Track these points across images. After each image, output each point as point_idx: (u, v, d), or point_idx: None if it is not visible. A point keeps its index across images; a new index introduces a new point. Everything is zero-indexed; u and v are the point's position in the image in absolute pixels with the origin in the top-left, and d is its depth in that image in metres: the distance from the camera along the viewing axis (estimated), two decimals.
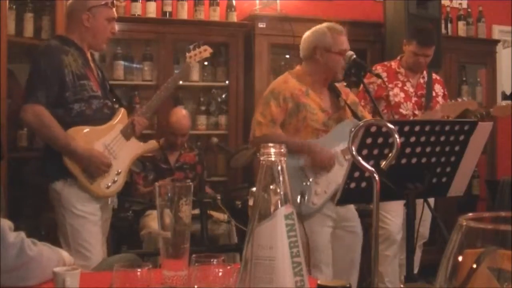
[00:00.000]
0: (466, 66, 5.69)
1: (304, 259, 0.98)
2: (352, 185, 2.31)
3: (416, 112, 3.81)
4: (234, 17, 4.86)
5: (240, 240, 3.91)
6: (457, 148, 2.37)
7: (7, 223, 1.57)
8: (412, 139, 2.25)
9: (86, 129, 2.88)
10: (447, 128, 2.31)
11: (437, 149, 2.32)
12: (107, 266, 1.89)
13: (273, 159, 0.98)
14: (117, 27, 3.07)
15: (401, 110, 3.79)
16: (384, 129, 2.11)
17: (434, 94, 3.91)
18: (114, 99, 3.18)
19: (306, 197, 2.86)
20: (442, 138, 2.31)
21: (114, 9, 3.04)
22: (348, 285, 1.01)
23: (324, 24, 3.09)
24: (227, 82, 4.85)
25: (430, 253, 3.94)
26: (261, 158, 0.99)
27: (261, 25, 4.71)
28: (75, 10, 2.96)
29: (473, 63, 5.76)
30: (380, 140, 2.20)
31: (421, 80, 3.92)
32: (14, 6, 3.77)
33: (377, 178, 1.30)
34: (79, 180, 2.84)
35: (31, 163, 3.87)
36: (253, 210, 0.98)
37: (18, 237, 1.56)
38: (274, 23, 4.74)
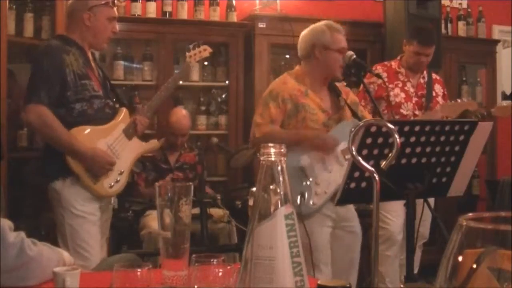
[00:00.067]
0: (466, 66, 5.69)
1: (304, 259, 0.98)
2: (352, 185, 2.31)
3: (417, 112, 3.81)
4: (234, 17, 4.86)
5: (240, 240, 3.91)
6: (457, 148, 2.37)
7: (7, 223, 1.57)
8: (412, 139, 2.25)
9: (89, 129, 2.88)
10: (447, 128, 2.31)
11: (437, 149, 2.32)
12: (107, 266, 1.89)
13: (273, 159, 0.98)
14: (117, 26, 3.07)
15: (401, 111, 3.78)
16: (384, 129, 2.11)
17: (434, 94, 3.91)
18: (116, 99, 3.19)
19: (306, 197, 2.86)
20: (442, 138, 2.31)
21: (115, 9, 3.04)
22: (348, 285, 1.01)
23: (322, 22, 3.09)
24: (227, 82, 4.85)
25: (430, 253, 3.94)
26: (261, 158, 0.99)
27: (261, 25, 4.71)
28: (76, 9, 2.95)
29: (473, 63, 5.76)
30: (380, 140, 2.20)
31: (421, 80, 3.92)
32: (14, 6, 3.77)
33: (377, 178, 1.30)
34: (82, 180, 2.84)
35: (31, 163, 3.87)
36: (253, 210, 0.98)
37: (18, 237, 1.56)
38: (274, 23, 4.75)
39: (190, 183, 1.71)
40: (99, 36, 2.97)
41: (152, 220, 3.79)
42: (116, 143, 2.96)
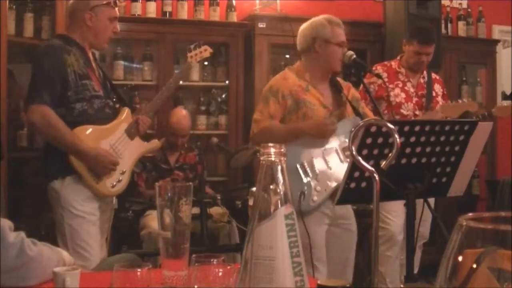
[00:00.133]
0: (466, 66, 5.69)
1: (304, 259, 0.99)
2: (352, 185, 2.31)
3: (417, 112, 3.81)
4: (234, 17, 4.87)
5: (240, 240, 3.91)
6: (457, 148, 2.37)
7: (7, 223, 1.56)
8: (412, 139, 2.25)
9: (91, 129, 2.88)
10: (447, 128, 2.31)
11: (437, 149, 2.32)
12: (107, 266, 1.89)
13: (273, 159, 0.98)
14: (118, 27, 3.07)
15: (402, 111, 3.78)
16: (384, 129, 2.11)
17: (434, 94, 3.91)
18: (118, 99, 3.20)
19: (306, 194, 2.86)
20: (442, 138, 2.31)
21: (116, 9, 3.04)
22: (348, 285, 1.01)
23: (322, 16, 3.09)
24: (227, 82, 4.85)
25: (430, 253, 3.93)
26: (261, 158, 0.99)
27: (261, 25, 4.71)
28: (77, 9, 2.95)
29: (473, 63, 5.76)
30: (380, 140, 2.20)
31: (422, 80, 3.92)
32: (14, 6, 3.77)
33: (377, 178, 1.30)
34: (84, 179, 2.84)
35: (31, 163, 3.87)
36: (253, 210, 0.98)
37: (18, 237, 1.56)
38: (274, 23, 4.75)
39: (190, 183, 1.71)
40: (100, 36, 2.97)
41: (152, 220, 3.79)
42: (118, 143, 2.96)
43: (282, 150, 0.99)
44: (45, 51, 2.89)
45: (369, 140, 2.19)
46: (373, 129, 2.17)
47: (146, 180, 4.18)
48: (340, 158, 2.97)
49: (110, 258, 2.54)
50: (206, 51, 3.41)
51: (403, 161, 2.27)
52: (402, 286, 3.03)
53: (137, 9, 4.65)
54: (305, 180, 2.90)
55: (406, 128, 2.23)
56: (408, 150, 2.26)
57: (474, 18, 5.67)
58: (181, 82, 3.86)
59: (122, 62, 4.65)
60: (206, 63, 4.79)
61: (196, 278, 1.14)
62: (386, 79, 3.75)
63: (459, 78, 5.56)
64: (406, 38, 3.96)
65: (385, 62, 4.01)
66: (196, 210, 3.11)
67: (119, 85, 4.42)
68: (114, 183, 2.93)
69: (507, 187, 4.51)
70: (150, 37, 4.72)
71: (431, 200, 2.97)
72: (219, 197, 3.59)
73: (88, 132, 2.87)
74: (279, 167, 0.98)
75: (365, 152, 2.18)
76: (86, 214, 2.83)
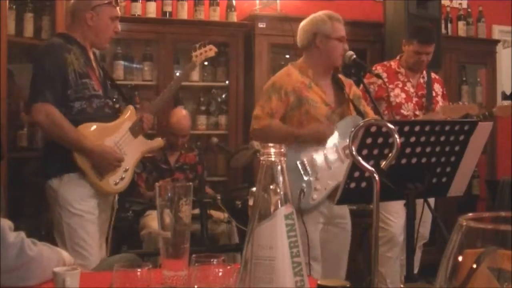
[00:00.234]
0: (466, 66, 5.69)
1: (304, 259, 0.99)
2: (352, 185, 2.31)
3: (417, 112, 3.81)
4: (234, 17, 4.87)
5: (240, 240, 3.91)
6: (457, 148, 2.37)
7: (7, 223, 1.56)
8: (412, 139, 2.25)
9: (95, 126, 2.89)
10: (447, 128, 2.31)
11: (437, 149, 2.32)
12: (107, 266, 1.89)
13: (273, 159, 0.98)
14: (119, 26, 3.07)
15: (402, 111, 3.78)
16: (384, 129, 2.11)
17: (434, 94, 3.91)
18: (122, 98, 3.21)
19: (306, 192, 2.86)
20: (442, 138, 2.31)
21: (117, 8, 3.04)
22: (348, 285, 1.01)
23: (321, 12, 3.10)
24: (227, 82, 4.85)
25: (430, 253, 3.93)
26: (261, 158, 0.99)
27: (261, 25, 4.71)
28: (79, 8, 2.95)
29: (473, 63, 5.76)
30: (380, 140, 2.20)
31: (421, 80, 3.91)
32: (14, 6, 3.77)
33: (377, 178, 1.30)
34: (88, 177, 2.84)
35: (31, 163, 3.87)
36: (253, 210, 0.98)
37: (18, 237, 1.56)
38: (274, 23, 4.75)
39: (190, 183, 1.71)
40: (101, 35, 2.97)
41: (152, 220, 3.79)
42: (122, 141, 2.97)
43: (282, 150, 0.99)
44: (46, 50, 2.89)
45: (369, 140, 2.19)
46: (373, 129, 2.17)
47: (146, 180, 4.18)
48: (340, 157, 2.97)
49: (110, 258, 2.54)
50: (211, 50, 3.41)
51: (403, 161, 2.27)
52: (402, 286, 3.03)
53: (137, 9, 4.65)
54: (305, 178, 2.90)
55: (406, 128, 2.23)
56: (408, 150, 2.26)
57: (474, 18, 5.67)
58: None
59: (122, 62, 4.65)
60: (206, 63, 4.79)
61: (196, 278, 1.14)
62: (386, 79, 3.75)
63: (459, 78, 5.56)
64: (406, 38, 3.95)
65: (385, 62, 4.00)
66: (196, 211, 3.11)
67: (119, 85, 4.43)
68: (117, 181, 2.94)
69: (507, 187, 4.51)
70: (150, 37, 4.72)
71: (431, 200, 2.97)
72: (219, 197, 3.59)
73: (92, 129, 2.87)
74: (279, 167, 0.98)
75: (365, 152, 2.18)
76: (84, 212, 2.83)
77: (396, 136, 1.45)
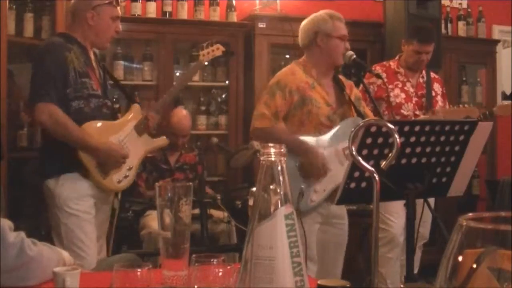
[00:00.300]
0: (466, 66, 5.69)
1: (304, 259, 0.99)
2: (352, 185, 2.31)
3: (417, 112, 3.80)
4: (234, 17, 4.86)
5: (240, 240, 3.91)
6: (457, 148, 2.37)
7: (7, 223, 1.56)
8: (412, 139, 2.25)
9: (100, 124, 2.89)
10: (447, 128, 2.31)
11: (437, 149, 2.32)
12: (107, 266, 1.89)
13: (273, 159, 0.98)
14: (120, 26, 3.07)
15: (402, 111, 3.77)
16: (384, 129, 2.11)
17: (433, 93, 3.91)
18: (126, 97, 3.22)
19: (305, 194, 2.86)
20: (442, 138, 2.31)
21: (118, 8, 3.04)
22: (348, 285, 1.01)
23: (323, 11, 3.10)
24: (227, 82, 4.85)
25: (430, 253, 3.93)
26: (261, 158, 0.99)
27: (261, 25, 4.71)
28: (80, 8, 2.95)
29: (473, 63, 5.76)
30: (380, 140, 2.20)
31: (421, 80, 3.91)
32: (14, 6, 3.77)
33: (377, 178, 1.30)
34: (92, 175, 2.84)
35: (31, 163, 3.86)
36: (253, 210, 0.98)
37: (18, 237, 1.56)
38: (274, 23, 4.75)
39: (190, 183, 1.71)
40: (102, 35, 2.97)
41: (152, 220, 3.79)
42: (127, 139, 2.98)
43: (282, 150, 0.99)
44: (46, 49, 2.89)
45: (369, 140, 2.19)
46: (373, 129, 2.17)
47: (146, 180, 4.18)
48: (340, 159, 2.96)
49: (110, 258, 2.54)
50: (218, 49, 3.40)
51: (403, 161, 2.27)
52: (402, 286, 3.03)
53: (137, 9, 4.65)
54: (304, 179, 2.90)
55: (406, 128, 2.23)
56: (408, 150, 2.26)
57: (474, 18, 5.67)
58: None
59: (122, 62, 4.65)
60: (206, 63, 4.78)
61: (196, 278, 1.14)
62: (385, 80, 3.75)
63: (459, 78, 5.56)
64: (405, 38, 3.95)
65: (384, 63, 4.00)
66: (196, 211, 3.11)
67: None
68: (121, 179, 2.95)
69: (507, 187, 4.51)
70: (150, 37, 4.72)
71: (431, 200, 2.97)
72: (219, 197, 3.59)
73: (97, 127, 2.88)
74: (279, 167, 0.98)
75: (365, 152, 2.18)
76: (81, 212, 2.83)
77: (396, 136, 1.45)
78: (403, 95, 3.81)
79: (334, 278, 2.90)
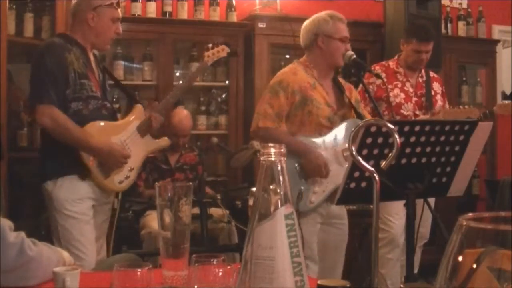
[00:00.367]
0: (466, 66, 5.69)
1: (304, 259, 0.99)
2: (352, 185, 2.31)
3: (417, 112, 3.80)
4: (234, 17, 4.86)
5: (240, 240, 3.91)
6: (457, 148, 2.37)
7: (7, 223, 1.56)
8: (412, 139, 2.25)
9: (103, 124, 2.89)
10: (447, 128, 2.31)
11: (437, 149, 2.32)
12: (107, 266, 1.89)
13: (273, 159, 0.98)
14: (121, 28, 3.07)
15: (402, 111, 3.77)
16: (384, 129, 2.11)
17: (433, 93, 3.91)
18: (128, 97, 3.23)
19: (304, 195, 2.86)
20: (442, 138, 2.31)
21: (119, 10, 3.03)
22: (348, 285, 1.01)
23: (324, 12, 3.10)
24: (227, 82, 4.85)
25: (430, 253, 3.93)
26: (261, 158, 0.99)
27: (261, 25, 4.71)
28: (80, 9, 2.95)
29: (473, 63, 5.76)
30: (380, 140, 2.20)
31: (420, 79, 3.91)
32: (14, 6, 3.77)
33: (377, 178, 1.30)
34: (93, 176, 2.85)
35: (31, 163, 3.86)
36: (253, 210, 0.98)
37: (18, 237, 1.56)
38: (274, 23, 4.75)
39: (190, 183, 1.71)
40: (102, 36, 2.96)
41: (152, 220, 3.79)
42: (129, 140, 2.98)
43: (282, 150, 0.99)
44: (47, 49, 2.88)
45: (369, 140, 2.19)
46: (373, 129, 2.17)
47: (146, 180, 4.18)
48: (339, 160, 2.97)
49: (110, 258, 2.54)
50: (223, 50, 3.40)
51: (403, 161, 2.27)
52: (402, 286, 3.03)
53: (137, 9, 4.65)
54: (303, 180, 2.90)
55: (406, 128, 2.23)
56: (408, 150, 2.26)
57: (474, 18, 5.66)
58: (180, 82, 3.86)
59: (122, 62, 4.65)
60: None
61: (196, 278, 1.14)
62: (385, 79, 3.74)
63: (459, 78, 5.56)
64: (404, 37, 3.94)
65: (383, 62, 4.00)
66: (196, 210, 3.11)
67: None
68: (122, 180, 2.95)
69: (507, 187, 4.51)
70: (150, 37, 4.72)
71: (431, 200, 2.97)
72: (219, 197, 3.59)
73: (100, 127, 2.88)
74: (279, 167, 0.98)
75: (365, 152, 2.18)
76: (78, 214, 2.82)
77: (396, 136, 1.45)
78: (402, 95, 3.80)
79: (334, 278, 2.90)
